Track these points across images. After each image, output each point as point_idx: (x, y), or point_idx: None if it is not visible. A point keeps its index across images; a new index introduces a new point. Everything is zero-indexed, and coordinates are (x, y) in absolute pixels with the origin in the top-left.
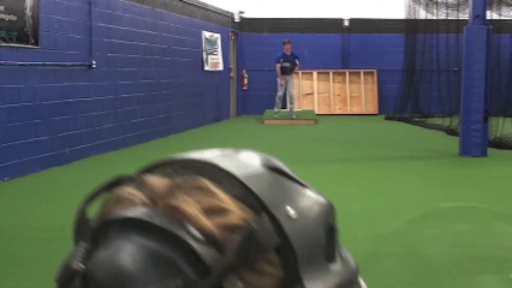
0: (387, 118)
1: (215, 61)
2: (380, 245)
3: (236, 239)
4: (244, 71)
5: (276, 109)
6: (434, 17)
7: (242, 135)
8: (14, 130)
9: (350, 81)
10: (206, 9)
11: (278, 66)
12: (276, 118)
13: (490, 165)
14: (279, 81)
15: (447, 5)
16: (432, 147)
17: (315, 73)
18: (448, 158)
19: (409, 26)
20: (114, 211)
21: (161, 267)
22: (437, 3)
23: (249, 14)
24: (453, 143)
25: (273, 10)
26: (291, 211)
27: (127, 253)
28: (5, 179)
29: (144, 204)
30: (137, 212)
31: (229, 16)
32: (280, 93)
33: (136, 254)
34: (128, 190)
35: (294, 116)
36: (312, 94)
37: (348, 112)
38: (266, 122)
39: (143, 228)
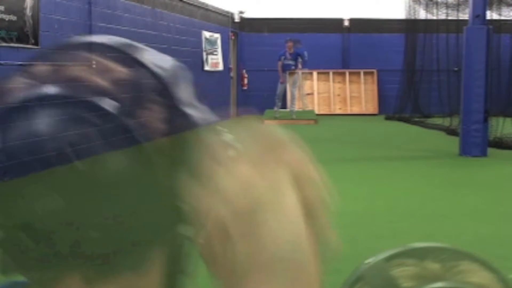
0: (387, 118)
1: (215, 61)
2: (380, 245)
3: (125, 87)
4: (244, 71)
5: (276, 109)
6: (434, 17)
7: None
8: None
9: (350, 81)
10: (206, 9)
11: (279, 64)
12: (276, 118)
13: (490, 165)
14: (280, 79)
15: (447, 5)
16: (432, 147)
17: (315, 73)
18: (448, 158)
19: (409, 26)
20: (11, 98)
21: (73, 123)
22: (437, 3)
23: (249, 14)
24: (453, 143)
25: (273, 10)
26: (163, 65)
27: (40, 124)
28: (5, 179)
29: (36, 85)
30: (34, 91)
31: (229, 16)
32: (278, 91)
33: (47, 123)
34: (17, 81)
35: (294, 116)
36: (312, 94)
37: (348, 112)
38: (266, 122)
39: (45, 103)
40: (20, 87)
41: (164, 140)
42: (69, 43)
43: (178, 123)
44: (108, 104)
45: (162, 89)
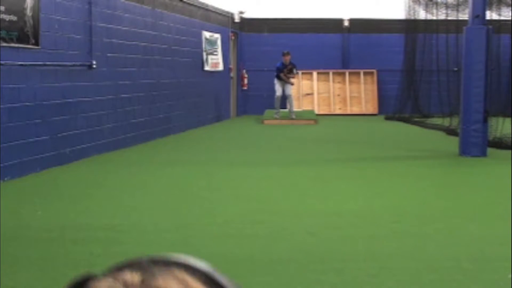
0: (387, 118)
1: (215, 61)
2: (380, 245)
3: None
4: (244, 71)
5: (276, 110)
6: (434, 17)
7: (242, 135)
8: (14, 130)
9: (350, 81)
10: (206, 9)
11: (282, 75)
12: (276, 118)
13: (490, 165)
14: (276, 84)
15: (447, 5)
16: (432, 147)
17: (315, 73)
18: (448, 158)
19: (409, 26)
20: None
21: None
22: (437, 3)
23: (249, 14)
24: (453, 143)
25: (273, 10)
26: None
27: None
28: (5, 179)
29: None
30: None
31: (229, 16)
32: (278, 93)
33: None
34: (106, 284)
35: (294, 116)
36: (312, 94)
37: (348, 112)
38: (266, 122)
39: None
40: None
41: None
42: (165, 259)
43: None
44: None
45: None
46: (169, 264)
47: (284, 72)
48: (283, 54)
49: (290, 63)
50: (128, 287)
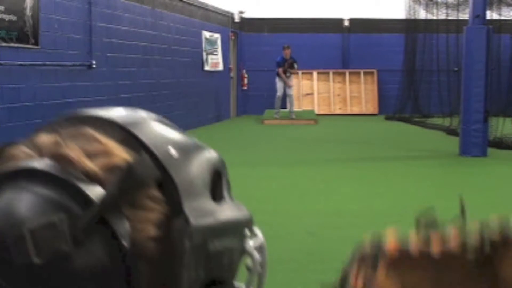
0: (387, 118)
1: (215, 61)
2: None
3: (116, 176)
4: (244, 71)
5: (276, 110)
6: (434, 17)
7: (242, 135)
8: (14, 130)
9: (350, 81)
10: (206, 9)
11: (280, 70)
12: (276, 118)
13: (490, 165)
14: (277, 82)
15: (447, 5)
16: (432, 147)
17: (315, 73)
18: (448, 158)
19: (409, 26)
20: (5, 167)
21: (47, 206)
22: (437, 3)
23: (249, 14)
24: (453, 143)
25: (273, 10)
26: (173, 151)
27: (17, 199)
28: None
29: (32, 156)
30: (25, 163)
31: (229, 16)
32: (278, 93)
33: (25, 199)
34: (18, 149)
35: (294, 116)
36: (312, 94)
37: (348, 112)
38: (266, 122)
39: (32, 176)
40: (19, 156)
41: (152, 246)
42: (77, 115)
43: (175, 227)
44: (91, 192)
45: (165, 181)
46: (84, 121)
47: (285, 67)
48: (283, 48)
49: (291, 57)
50: (41, 150)
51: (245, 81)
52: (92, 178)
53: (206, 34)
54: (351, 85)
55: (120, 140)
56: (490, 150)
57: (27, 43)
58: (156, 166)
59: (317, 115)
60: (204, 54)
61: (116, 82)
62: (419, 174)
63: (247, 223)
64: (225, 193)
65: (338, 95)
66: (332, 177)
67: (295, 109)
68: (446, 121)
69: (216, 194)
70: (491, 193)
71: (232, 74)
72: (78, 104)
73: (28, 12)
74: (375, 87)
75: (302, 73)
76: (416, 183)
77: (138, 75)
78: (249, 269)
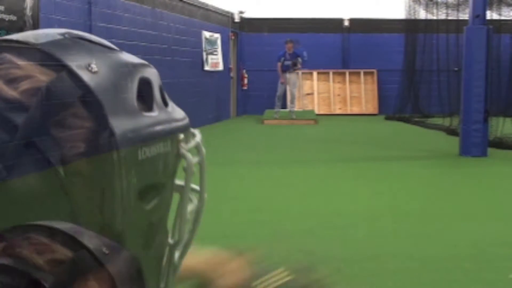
0: (387, 118)
1: (215, 61)
2: (380, 245)
3: (37, 98)
4: (244, 71)
5: (276, 109)
6: (434, 17)
7: (242, 135)
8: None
9: (350, 81)
10: (206, 9)
11: (279, 64)
12: (276, 118)
13: (490, 165)
14: (280, 79)
15: (447, 5)
16: (432, 147)
17: (315, 73)
18: (448, 158)
19: (409, 26)
20: None
21: None
22: (437, 3)
23: (249, 14)
24: (453, 143)
25: (273, 10)
26: (93, 66)
27: None
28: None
29: None
30: None
31: (229, 16)
32: (279, 92)
33: None
34: None
35: (294, 116)
36: (312, 94)
37: (348, 112)
38: (266, 122)
39: None
40: None
41: (82, 162)
42: (24, 225)
43: (102, 141)
44: (16, 117)
45: (88, 97)
46: (28, 230)
47: (281, 61)
48: (285, 42)
49: (294, 52)
50: None
51: (245, 81)
52: (15, 104)
53: (206, 34)
54: (351, 85)
55: (38, 62)
56: (490, 150)
57: None
58: (76, 84)
59: (317, 115)
60: (204, 54)
61: None
62: (419, 174)
63: (183, 128)
64: (156, 101)
65: (338, 95)
66: (332, 177)
67: (296, 109)
68: (446, 121)
69: (146, 103)
70: (491, 193)
71: (232, 74)
72: None
73: (28, 12)
74: (375, 87)
75: (302, 73)
76: (416, 183)
77: None
78: (185, 170)
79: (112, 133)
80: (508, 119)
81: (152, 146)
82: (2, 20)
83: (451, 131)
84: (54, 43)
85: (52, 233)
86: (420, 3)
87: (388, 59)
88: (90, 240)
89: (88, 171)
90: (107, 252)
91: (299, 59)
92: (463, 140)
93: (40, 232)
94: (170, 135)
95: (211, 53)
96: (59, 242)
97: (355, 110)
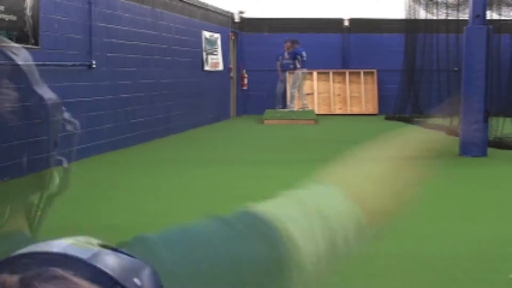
0: (387, 118)
1: (215, 61)
2: (380, 245)
3: None
4: (244, 71)
5: (277, 109)
6: (434, 17)
7: (242, 135)
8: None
9: (350, 81)
10: (206, 9)
11: (278, 64)
12: (276, 118)
13: (490, 165)
14: (279, 78)
15: (447, 5)
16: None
17: (315, 73)
18: (448, 158)
19: (409, 26)
20: None
21: None
22: (437, 3)
23: (249, 14)
24: (453, 143)
25: (273, 10)
26: (138, 282)
27: None
28: (5, 179)
29: None
30: None
31: (229, 16)
32: (277, 90)
33: None
34: None
35: (294, 116)
36: (312, 94)
37: (348, 112)
38: (266, 122)
39: None
40: None
41: None
42: (43, 252)
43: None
44: None
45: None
46: (48, 259)
47: (280, 61)
48: (284, 41)
49: (293, 52)
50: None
51: (245, 81)
52: None
53: (206, 34)
54: (351, 85)
55: (90, 278)
56: (490, 150)
57: (27, 43)
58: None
59: (317, 115)
60: (204, 54)
61: (116, 82)
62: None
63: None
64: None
65: (338, 95)
66: None
67: (296, 109)
68: (446, 121)
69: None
70: (491, 193)
71: (232, 74)
72: (78, 104)
73: (28, 12)
74: (375, 87)
75: (302, 73)
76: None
77: (138, 75)
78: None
79: (42, 99)
80: (508, 119)
81: (55, 113)
82: (2, 20)
83: (451, 131)
84: (101, 257)
85: (74, 262)
86: (420, 3)
87: (388, 59)
88: (113, 269)
89: None
90: (139, 283)
91: (298, 57)
92: (463, 140)
93: (61, 260)
94: (58, 106)
95: (211, 53)
96: (82, 275)
97: (355, 110)
